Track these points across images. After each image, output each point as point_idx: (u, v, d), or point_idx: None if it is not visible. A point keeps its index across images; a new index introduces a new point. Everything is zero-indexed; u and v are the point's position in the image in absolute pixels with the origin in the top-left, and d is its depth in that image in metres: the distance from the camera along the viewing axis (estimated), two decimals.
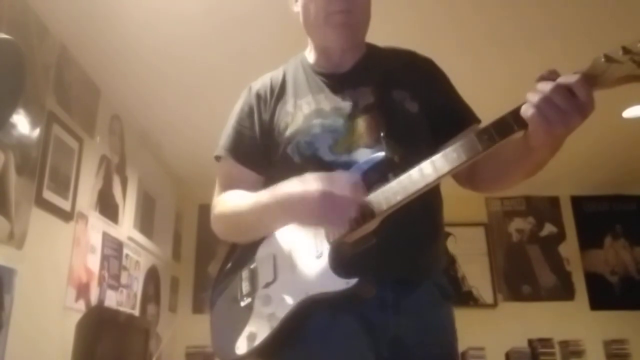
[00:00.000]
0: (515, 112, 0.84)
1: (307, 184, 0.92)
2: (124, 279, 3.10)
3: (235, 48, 2.55)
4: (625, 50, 0.76)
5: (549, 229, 4.66)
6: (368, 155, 1.00)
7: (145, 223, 3.85)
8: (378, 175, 0.95)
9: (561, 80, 0.79)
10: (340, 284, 0.91)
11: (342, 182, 0.91)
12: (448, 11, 2.37)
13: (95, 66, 2.68)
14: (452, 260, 4.47)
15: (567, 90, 0.78)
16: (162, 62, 2.68)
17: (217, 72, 2.73)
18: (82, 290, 2.54)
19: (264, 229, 1.06)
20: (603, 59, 0.77)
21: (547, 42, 2.55)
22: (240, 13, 2.33)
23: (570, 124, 0.80)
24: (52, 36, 2.35)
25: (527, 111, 0.81)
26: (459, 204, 4.10)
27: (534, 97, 0.81)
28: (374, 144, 1.04)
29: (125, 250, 3.15)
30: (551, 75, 0.81)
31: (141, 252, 3.46)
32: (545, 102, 0.79)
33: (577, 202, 4.70)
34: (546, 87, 0.80)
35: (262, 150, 1.15)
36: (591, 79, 0.79)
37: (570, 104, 0.78)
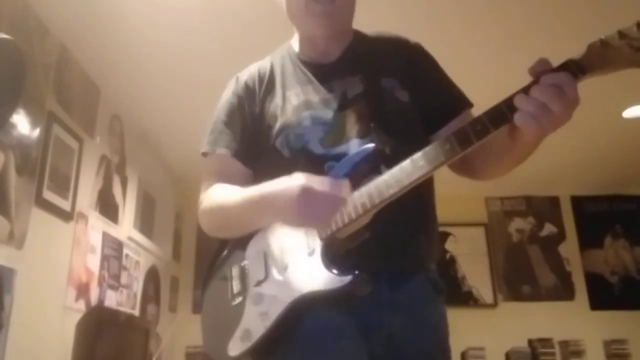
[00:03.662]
0: (509, 102, 0.81)
1: (291, 180, 0.90)
2: (124, 279, 3.09)
3: (237, 49, 2.55)
4: (622, 35, 0.74)
5: (549, 229, 4.66)
6: (359, 146, 0.98)
7: (145, 223, 3.84)
8: (369, 167, 0.93)
9: (554, 81, 0.77)
10: (334, 282, 0.89)
11: (325, 180, 0.89)
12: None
13: (95, 66, 2.68)
14: (452, 260, 4.48)
15: (561, 93, 0.76)
16: (162, 62, 2.68)
17: (218, 72, 2.72)
18: (82, 290, 2.54)
19: (250, 224, 1.04)
20: (599, 44, 0.75)
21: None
22: (241, 13, 2.34)
23: (559, 123, 0.79)
24: (52, 36, 2.35)
25: (524, 119, 0.78)
26: (459, 204, 4.14)
27: (526, 104, 0.78)
28: (365, 135, 1.02)
29: (125, 250, 3.15)
30: (543, 66, 0.79)
31: (141, 252, 3.45)
32: (543, 110, 0.77)
33: (577, 202, 4.70)
34: (543, 95, 0.77)
35: (250, 143, 1.12)
36: (586, 66, 0.76)
37: (563, 107, 0.77)
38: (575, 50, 0.78)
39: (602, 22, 2.23)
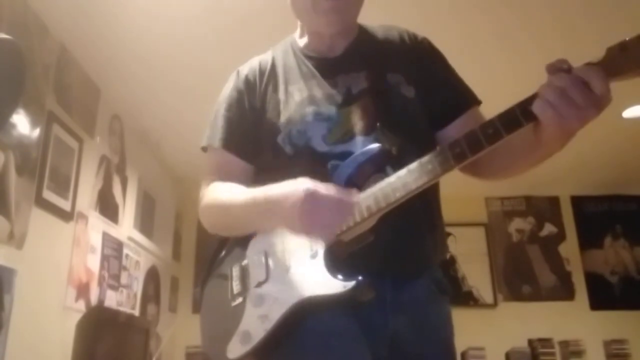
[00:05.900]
0: (524, 105, 0.78)
1: (297, 184, 0.88)
2: (124, 279, 3.09)
3: (236, 47, 2.55)
4: None
5: (549, 229, 4.66)
6: (364, 144, 0.96)
7: (145, 223, 3.84)
8: (374, 167, 0.91)
9: (578, 73, 0.74)
10: (336, 286, 0.86)
11: (332, 187, 0.87)
12: (452, 8, 2.37)
13: (95, 66, 2.68)
14: (452, 260, 4.48)
15: (584, 85, 0.73)
16: (162, 62, 2.68)
17: (217, 72, 2.72)
18: (82, 290, 2.54)
19: (253, 227, 1.02)
20: (618, 49, 0.73)
21: (550, 37, 2.54)
22: (240, 12, 2.34)
23: (585, 119, 0.75)
24: (52, 36, 2.35)
25: (541, 108, 0.75)
26: (459, 204, 4.12)
27: (548, 93, 0.75)
28: (370, 133, 0.99)
29: (125, 250, 3.15)
30: (561, 65, 0.76)
31: (141, 252, 3.45)
32: (562, 98, 0.73)
33: (577, 202, 4.70)
34: (562, 81, 0.74)
35: (252, 139, 1.10)
36: (605, 70, 0.73)
37: (587, 99, 0.73)
38: (594, 50, 0.75)
39: (623, 22, 2.23)
